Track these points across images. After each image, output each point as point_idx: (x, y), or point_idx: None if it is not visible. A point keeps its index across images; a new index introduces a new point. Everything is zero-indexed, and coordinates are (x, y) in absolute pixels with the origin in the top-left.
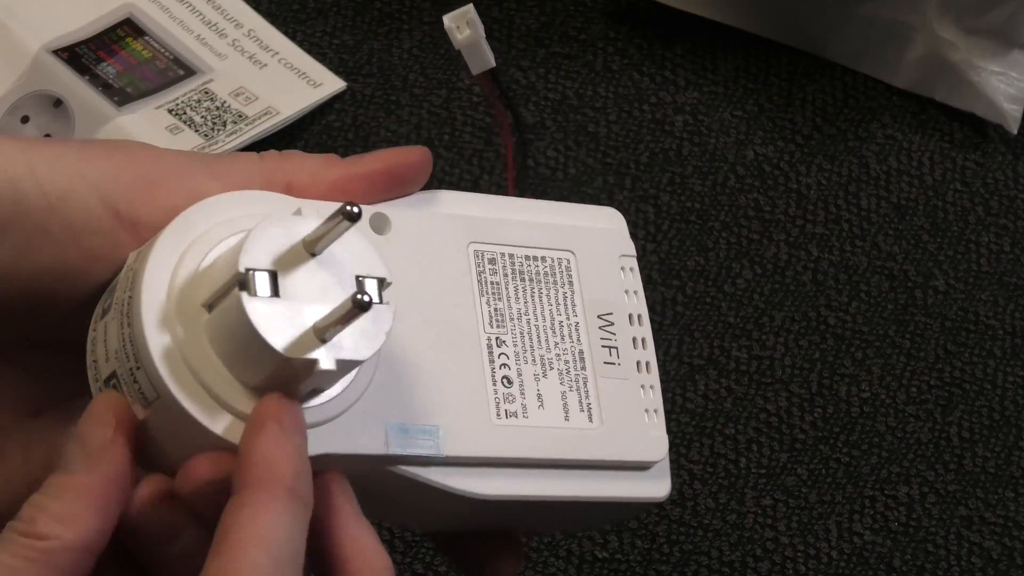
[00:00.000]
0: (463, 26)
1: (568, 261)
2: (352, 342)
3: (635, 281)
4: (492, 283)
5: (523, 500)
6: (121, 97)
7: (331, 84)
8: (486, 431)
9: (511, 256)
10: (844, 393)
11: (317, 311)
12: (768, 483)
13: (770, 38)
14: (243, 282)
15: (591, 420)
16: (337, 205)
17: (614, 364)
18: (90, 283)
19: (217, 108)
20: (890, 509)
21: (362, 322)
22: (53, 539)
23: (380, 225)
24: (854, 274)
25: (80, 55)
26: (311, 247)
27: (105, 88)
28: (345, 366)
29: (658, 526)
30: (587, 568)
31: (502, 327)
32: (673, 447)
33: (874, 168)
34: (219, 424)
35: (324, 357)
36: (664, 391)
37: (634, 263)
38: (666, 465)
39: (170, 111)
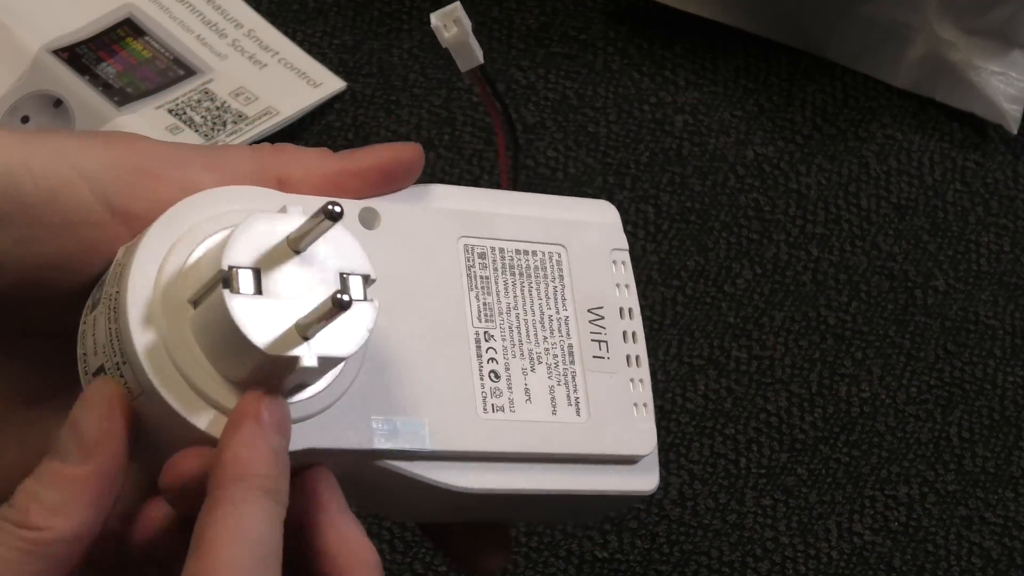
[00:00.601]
0: (450, 24)
1: (559, 255)
2: (335, 339)
3: (627, 275)
4: (482, 277)
5: (509, 494)
6: (121, 97)
7: (331, 84)
8: (472, 425)
9: (501, 250)
10: (844, 393)
11: (300, 308)
12: (768, 483)
13: (770, 38)
14: (226, 280)
15: (579, 414)
16: (326, 200)
17: (603, 358)
18: (86, 274)
19: (217, 108)
20: (890, 509)
21: (345, 319)
22: (46, 530)
23: (369, 220)
24: (854, 274)
25: (80, 55)
26: (295, 244)
27: (105, 88)
28: (328, 363)
29: (658, 526)
30: (587, 568)
31: (491, 321)
32: (673, 447)
33: (874, 168)
34: (202, 419)
35: (306, 354)
36: (664, 391)
37: (626, 257)
38: (655, 458)
39: (170, 111)
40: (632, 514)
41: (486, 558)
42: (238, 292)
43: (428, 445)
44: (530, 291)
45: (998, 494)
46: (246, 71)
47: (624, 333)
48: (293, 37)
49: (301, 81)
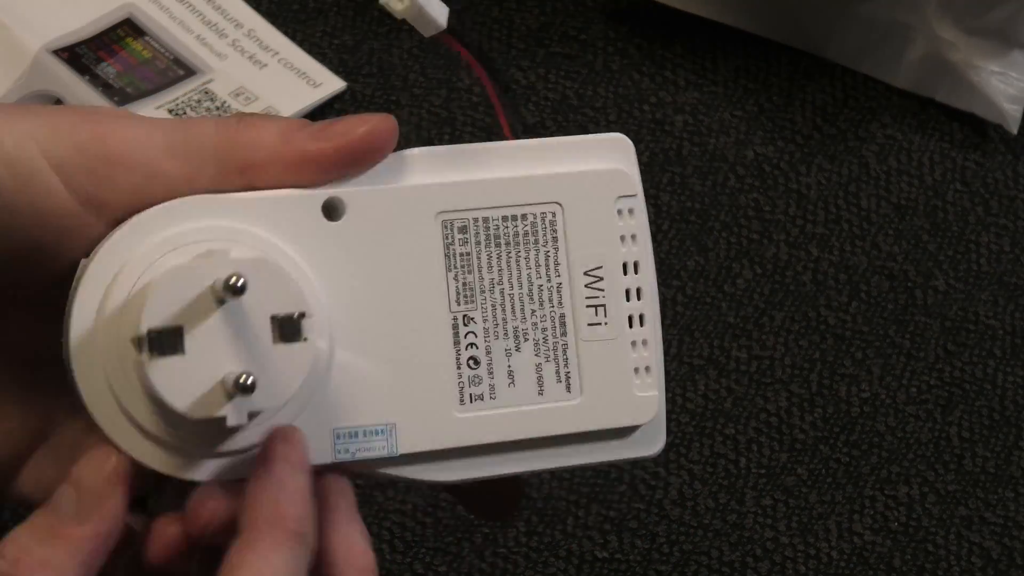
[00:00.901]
0: None
1: (553, 215)
2: (264, 390)
3: (635, 224)
4: (462, 255)
5: (496, 478)
6: (121, 97)
7: (331, 84)
8: (448, 422)
9: (485, 220)
10: (844, 393)
11: (224, 364)
12: (768, 483)
13: (770, 38)
14: (147, 343)
15: (569, 390)
16: (289, 193)
17: (600, 324)
18: (61, 261)
19: (217, 108)
20: (890, 509)
21: (277, 364)
22: None
23: (333, 210)
24: (854, 274)
25: (80, 55)
26: (220, 293)
27: (105, 88)
28: (260, 415)
29: (658, 526)
30: (587, 568)
31: (471, 303)
32: (673, 447)
33: (874, 168)
34: (151, 459)
35: (232, 413)
36: (665, 389)
37: (635, 203)
38: (661, 420)
39: (170, 111)
40: (632, 514)
41: (498, 505)
42: (158, 356)
43: (397, 451)
44: (517, 261)
45: (998, 494)
46: (246, 71)
47: (627, 291)
48: (293, 37)
49: (301, 81)
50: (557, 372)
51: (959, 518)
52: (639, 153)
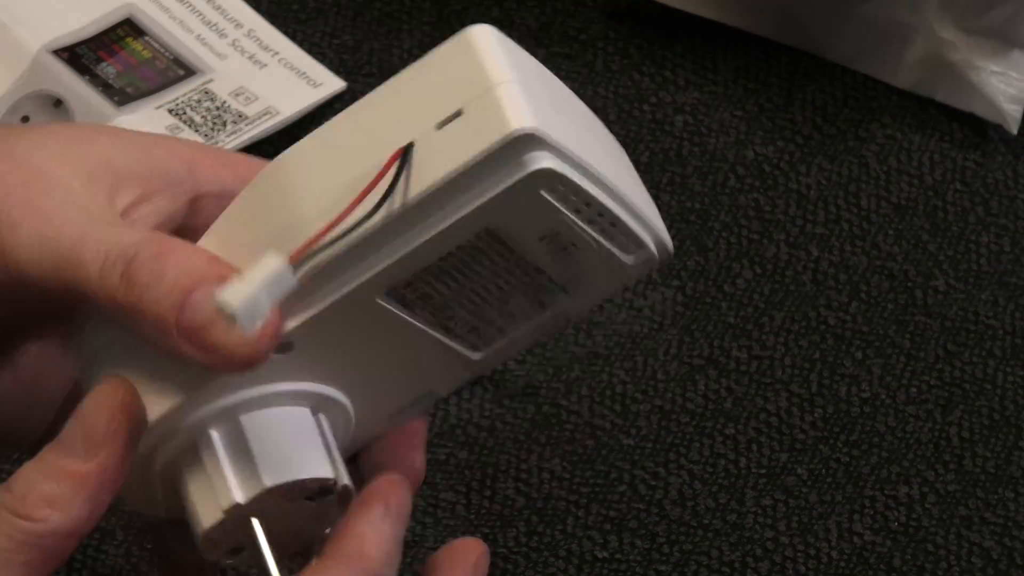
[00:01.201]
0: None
1: (487, 232)
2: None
3: (567, 189)
4: (417, 297)
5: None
6: (121, 97)
7: (331, 84)
8: (473, 363)
9: (424, 271)
10: (844, 393)
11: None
12: (768, 483)
13: (770, 38)
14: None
15: (567, 291)
16: None
17: (574, 260)
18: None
19: (217, 108)
20: (890, 509)
21: (328, 515)
22: (40, 522)
23: (283, 347)
24: (854, 274)
25: (80, 55)
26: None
27: (105, 88)
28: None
29: (658, 526)
30: (587, 568)
31: (446, 312)
32: (673, 447)
33: (874, 168)
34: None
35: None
36: (664, 391)
37: (562, 179)
38: (661, 240)
39: (170, 111)
40: (632, 514)
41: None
42: (232, 557)
43: (442, 395)
44: (472, 275)
45: (998, 494)
46: (246, 71)
47: (590, 220)
48: (293, 37)
49: (301, 81)
50: (552, 290)
51: (959, 518)
52: (639, 153)
